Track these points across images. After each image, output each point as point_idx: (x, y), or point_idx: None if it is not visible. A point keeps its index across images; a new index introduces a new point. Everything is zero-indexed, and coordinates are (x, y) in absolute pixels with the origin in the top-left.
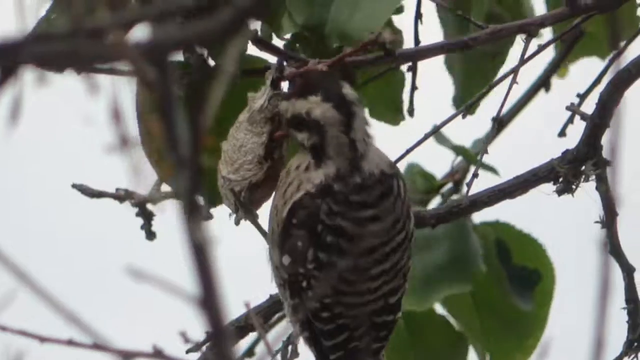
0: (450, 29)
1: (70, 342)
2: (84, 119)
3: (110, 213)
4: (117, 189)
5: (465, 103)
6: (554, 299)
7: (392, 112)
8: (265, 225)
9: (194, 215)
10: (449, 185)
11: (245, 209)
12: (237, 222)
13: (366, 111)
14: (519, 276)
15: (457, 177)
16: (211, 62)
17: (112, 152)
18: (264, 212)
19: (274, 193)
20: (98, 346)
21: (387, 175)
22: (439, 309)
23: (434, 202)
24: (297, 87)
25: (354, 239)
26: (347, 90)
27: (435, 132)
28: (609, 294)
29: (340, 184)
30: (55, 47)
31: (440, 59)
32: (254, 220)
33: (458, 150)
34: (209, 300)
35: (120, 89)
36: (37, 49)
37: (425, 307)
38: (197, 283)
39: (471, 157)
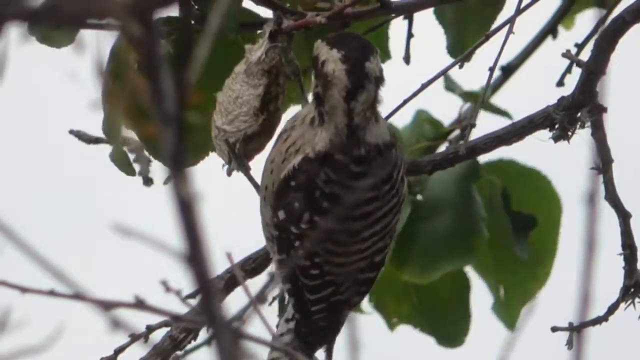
0: None
1: (52, 293)
2: (70, 75)
3: (99, 168)
4: None
5: (462, 51)
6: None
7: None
8: (257, 178)
9: (180, 172)
10: (457, 132)
11: (238, 160)
12: (229, 173)
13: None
14: (516, 222)
15: (464, 124)
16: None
17: (97, 107)
18: (257, 164)
19: (269, 144)
20: (79, 296)
21: (387, 146)
22: None
23: (442, 149)
24: (337, 34)
25: (349, 206)
26: (372, 63)
27: (437, 78)
28: (596, 240)
29: (342, 154)
30: (41, 4)
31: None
32: (247, 172)
33: (467, 96)
34: (195, 256)
35: (105, 46)
36: (23, 5)
37: (425, 281)
38: (184, 239)
39: (478, 99)
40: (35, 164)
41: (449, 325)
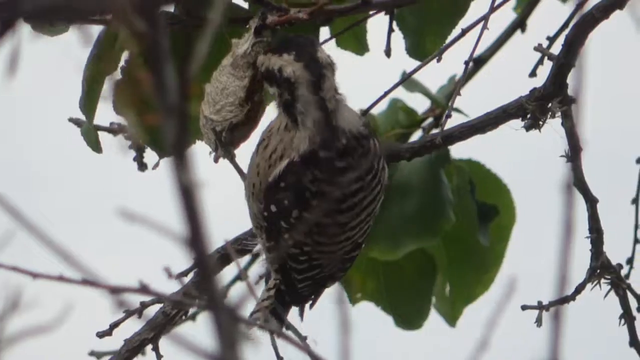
0: None
1: (61, 278)
2: (78, 67)
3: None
4: (111, 123)
5: (421, 53)
6: (514, 236)
7: (357, 43)
8: (242, 165)
9: (182, 160)
10: (430, 119)
11: (224, 148)
12: (215, 160)
13: (334, 53)
14: (480, 211)
15: (437, 112)
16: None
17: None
18: (242, 152)
19: (254, 134)
20: (87, 282)
21: (363, 136)
22: None
23: (416, 136)
24: (274, 44)
25: (337, 201)
26: (321, 53)
27: (416, 71)
28: (573, 227)
29: (325, 149)
30: (50, 1)
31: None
32: (232, 159)
33: (428, 95)
34: (196, 241)
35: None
36: (32, 3)
37: (390, 258)
38: (185, 224)
39: (439, 103)
40: (44, 153)
41: (410, 307)
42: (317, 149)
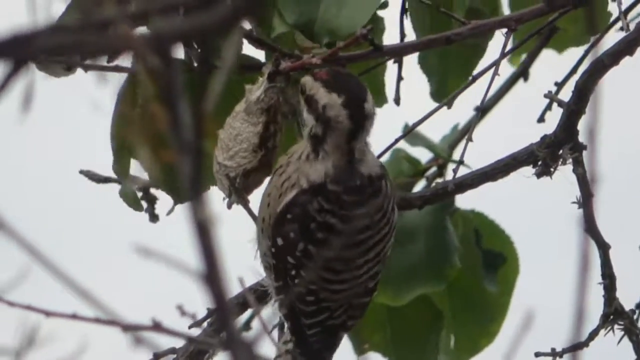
0: (427, 24)
1: (74, 316)
2: (93, 106)
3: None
4: None
5: (444, 95)
6: (517, 286)
7: (376, 96)
8: (255, 210)
9: (198, 197)
10: (433, 169)
11: (238, 194)
12: (229, 206)
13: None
14: (486, 259)
15: (440, 161)
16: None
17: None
18: (256, 197)
19: (267, 180)
20: (100, 320)
21: (378, 176)
22: None
23: (419, 185)
24: (331, 74)
25: (342, 235)
26: (368, 103)
27: (424, 120)
28: (589, 269)
29: (336, 185)
30: (65, 40)
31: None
32: (246, 205)
33: (431, 148)
34: (212, 277)
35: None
36: (48, 41)
37: (398, 303)
38: (201, 261)
39: (442, 155)
40: (61, 193)
41: (417, 358)
42: (327, 182)
